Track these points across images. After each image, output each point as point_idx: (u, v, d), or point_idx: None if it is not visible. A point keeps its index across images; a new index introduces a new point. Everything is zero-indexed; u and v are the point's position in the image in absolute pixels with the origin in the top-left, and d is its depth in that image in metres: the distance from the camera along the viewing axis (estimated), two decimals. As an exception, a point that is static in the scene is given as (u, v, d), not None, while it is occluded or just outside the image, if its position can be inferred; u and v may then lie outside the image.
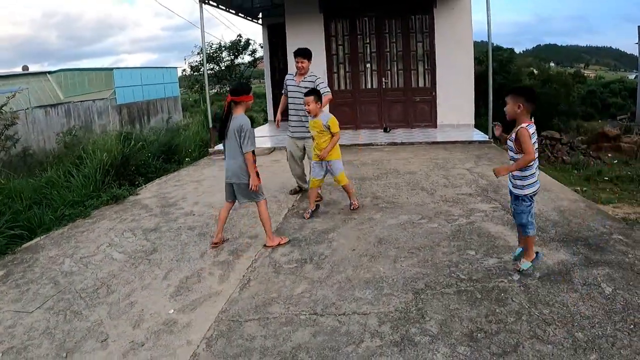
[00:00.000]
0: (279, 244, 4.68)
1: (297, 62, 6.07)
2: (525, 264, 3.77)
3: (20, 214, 5.97)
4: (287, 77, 6.35)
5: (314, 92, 5.39)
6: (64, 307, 3.77)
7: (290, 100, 6.19)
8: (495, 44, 18.53)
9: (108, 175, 7.74)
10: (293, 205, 6.10)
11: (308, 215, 5.51)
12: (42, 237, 5.54)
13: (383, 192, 6.38)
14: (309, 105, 5.33)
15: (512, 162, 3.64)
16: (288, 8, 12.03)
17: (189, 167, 9.12)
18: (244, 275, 4.07)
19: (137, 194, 7.22)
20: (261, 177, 4.60)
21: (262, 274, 4.08)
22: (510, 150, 3.66)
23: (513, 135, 3.58)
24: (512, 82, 18.83)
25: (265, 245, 4.69)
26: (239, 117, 4.47)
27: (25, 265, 4.71)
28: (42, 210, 6.25)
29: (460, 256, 4.16)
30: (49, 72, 21.80)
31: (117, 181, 7.81)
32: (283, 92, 6.40)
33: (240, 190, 4.58)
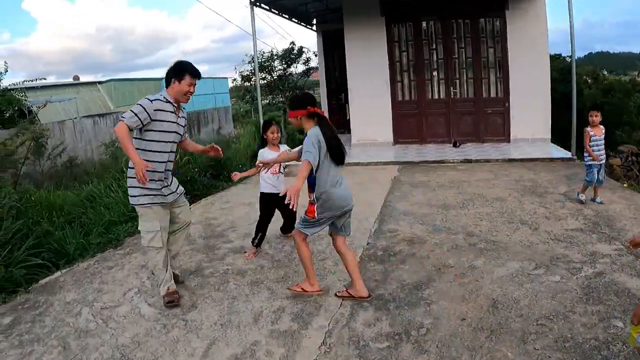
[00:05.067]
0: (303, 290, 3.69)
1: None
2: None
3: (52, 236, 5.31)
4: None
5: None
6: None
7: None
8: (552, 53, 16.84)
9: (150, 192, 6.95)
10: (368, 243, 4.85)
11: None
12: (64, 270, 4.73)
13: (475, 225, 5.18)
14: None
15: None
16: (346, 12, 11.06)
17: (239, 186, 8.18)
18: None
19: (178, 218, 6.31)
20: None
21: (342, 357, 2.82)
22: None
23: None
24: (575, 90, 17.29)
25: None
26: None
27: (36, 312, 3.84)
28: (73, 232, 5.66)
29: (606, 330, 2.96)
30: (99, 82, 21.72)
31: (160, 199, 7.00)
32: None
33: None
